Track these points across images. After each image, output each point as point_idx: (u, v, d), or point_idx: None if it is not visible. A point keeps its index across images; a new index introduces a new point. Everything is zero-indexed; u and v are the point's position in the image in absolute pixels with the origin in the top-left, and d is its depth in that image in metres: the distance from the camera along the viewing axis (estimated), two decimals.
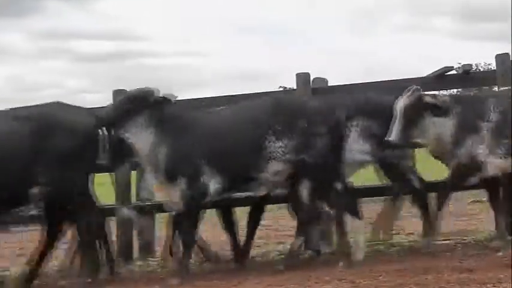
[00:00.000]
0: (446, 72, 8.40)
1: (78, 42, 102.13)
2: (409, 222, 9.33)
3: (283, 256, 7.63)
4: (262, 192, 7.11)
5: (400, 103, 7.23)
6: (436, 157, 7.48)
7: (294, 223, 7.43)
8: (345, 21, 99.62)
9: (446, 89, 8.47)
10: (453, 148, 7.25)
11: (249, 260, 7.55)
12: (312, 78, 8.40)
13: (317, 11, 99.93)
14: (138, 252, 8.52)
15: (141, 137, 6.81)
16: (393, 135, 7.15)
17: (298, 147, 6.92)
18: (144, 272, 7.54)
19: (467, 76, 8.40)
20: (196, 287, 6.65)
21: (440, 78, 8.37)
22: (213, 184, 6.84)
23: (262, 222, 7.79)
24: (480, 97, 7.65)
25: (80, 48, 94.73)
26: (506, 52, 8.19)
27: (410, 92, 7.25)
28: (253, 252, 7.70)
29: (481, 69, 35.66)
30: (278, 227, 10.63)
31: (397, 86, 8.56)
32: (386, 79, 8.53)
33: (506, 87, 7.92)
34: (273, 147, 6.90)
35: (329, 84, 8.56)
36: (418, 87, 7.31)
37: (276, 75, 78.52)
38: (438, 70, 8.40)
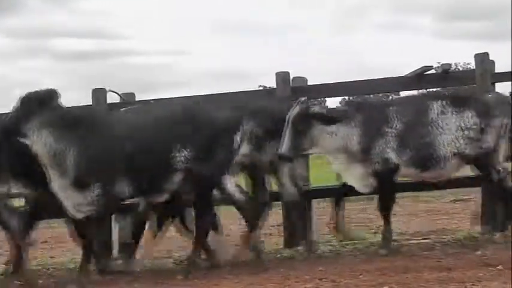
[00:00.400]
0: (426, 71, 8.43)
1: (59, 40, 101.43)
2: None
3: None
4: (164, 198, 7.02)
5: (289, 115, 7.17)
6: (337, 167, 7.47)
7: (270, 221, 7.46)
8: (328, 20, 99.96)
9: (426, 89, 8.51)
10: (364, 155, 7.28)
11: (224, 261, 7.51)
12: (291, 77, 8.42)
13: (299, 10, 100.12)
14: (118, 251, 8.47)
15: (38, 141, 6.47)
16: (284, 148, 7.11)
17: (200, 157, 6.85)
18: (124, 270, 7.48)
19: (446, 75, 8.44)
20: (175, 286, 6.64)
21: (420, 77, 8.40)
22: (123, 188, 6.70)
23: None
24: (382, 104, 7.73)
25: (60, 47, 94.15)
26: (485, 51, 8.25)
27: (297, 104, 7.22)
28: None
29: (460, 69, 35.80)
30: None
31: (374, 85, 8.63)
32: (366, 78, 8.55)
33: (405, 96, 8.06)
34: (178, 156, 6.81)
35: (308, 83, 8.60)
36: (305, 98, 7.28)
37: (261, 75, 78.70)
38: (417, 69, 8.43)
